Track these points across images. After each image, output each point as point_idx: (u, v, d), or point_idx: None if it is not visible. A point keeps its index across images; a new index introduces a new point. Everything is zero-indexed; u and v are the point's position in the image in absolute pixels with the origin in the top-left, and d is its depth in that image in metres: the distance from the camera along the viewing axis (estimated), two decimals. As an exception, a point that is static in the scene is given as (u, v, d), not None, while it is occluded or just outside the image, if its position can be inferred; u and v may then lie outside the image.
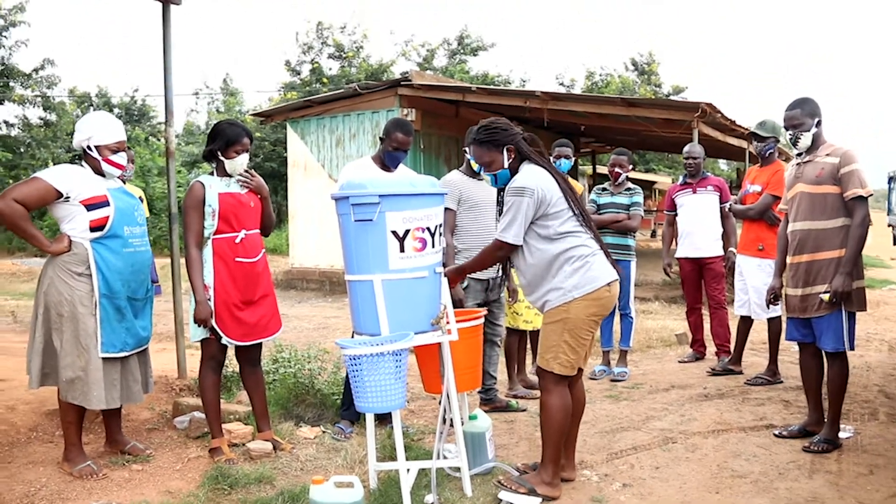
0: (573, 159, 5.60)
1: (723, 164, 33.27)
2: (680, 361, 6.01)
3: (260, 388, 3.87)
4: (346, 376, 3.96)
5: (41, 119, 21.83)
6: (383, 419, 4.08)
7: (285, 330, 5.39)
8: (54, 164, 8.39)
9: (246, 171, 3.71)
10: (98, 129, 3.47)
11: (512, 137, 3.28)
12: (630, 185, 5.53)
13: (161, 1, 4.68)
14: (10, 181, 17.71)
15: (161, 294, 5.94)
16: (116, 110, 27.49)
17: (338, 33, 24.97)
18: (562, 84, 29.62)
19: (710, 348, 5.95)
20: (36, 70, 20.18)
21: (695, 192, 5.76)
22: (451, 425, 3.36)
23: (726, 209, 5.64)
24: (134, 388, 3.57)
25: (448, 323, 3.16)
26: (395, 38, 56.76)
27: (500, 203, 3.31)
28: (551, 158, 4.53)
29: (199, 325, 3.55)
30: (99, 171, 3.48)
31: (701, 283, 5.85)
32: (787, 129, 3.89)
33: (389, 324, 2.99)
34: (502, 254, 3.27)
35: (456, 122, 12.23)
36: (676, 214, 5.89)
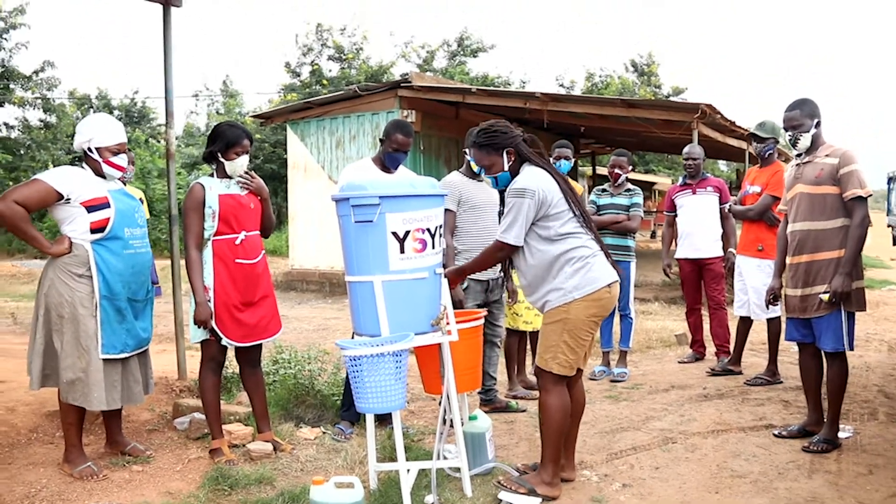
0: (573, 160, 5.60)
1: (722, 164, 33.27)
2: (680, 362, 6.02)
3: (260, 389, 3.88)
4: (346, 377, 3.97)
5: (41, 121, 21.89)
6: (383, 420, 4.09)
7: (285, 331, 5.41)
8: (54, 166, 8.38)
9: (246, 173, 3.71)
10: (99, 131, 3.47)
11: (512, 140, 3.29)
12: (630, 186, 5.54)
13: (161, 3, 4.70)
14: (10, 183, 17.70)
15: (161, 295, 5.95)
16: (116, 112, 27.50)
17: (338, 35, 25.01)
18: (562, 85, 29.65)
19: (710, 349, 5.96)
20: (36, 72, 20.26)
21: (694, 192, 5.77)
22: (452, 426, 3.36)
23: (726, 210, 5.65)
24: (134, 390, 3.57)
25: (448, 324, 3.16)
26: (394, 40, 57.03)
27: (503, 205, 3.31)
28: (551, 160, 4.54)
29: (199, 327, 3.55)
30: (99, 173, 3.49)
31: (700, 284, 5.86)
32: (786, 129, 3.90)
33: (389, 325, 2.99)
34: (503, 255, 3.28)
35: (456, 123, 12.23)
36: (676, 215, 5.90)
